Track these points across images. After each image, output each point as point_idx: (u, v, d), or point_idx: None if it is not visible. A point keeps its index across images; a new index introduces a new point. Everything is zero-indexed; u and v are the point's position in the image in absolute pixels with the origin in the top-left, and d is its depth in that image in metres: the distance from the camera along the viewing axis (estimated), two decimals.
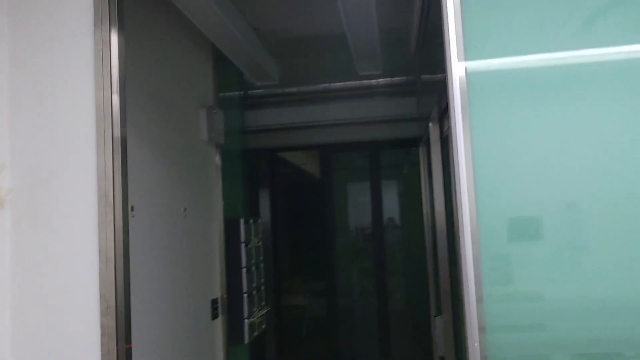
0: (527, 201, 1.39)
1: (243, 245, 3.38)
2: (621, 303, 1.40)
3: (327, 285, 6.52)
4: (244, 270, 3.36)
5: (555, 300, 1.41)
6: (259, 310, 3.63)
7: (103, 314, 1.53)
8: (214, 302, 3.19)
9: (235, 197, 3.88)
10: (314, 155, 6.54)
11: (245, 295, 3.36)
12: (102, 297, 1.53)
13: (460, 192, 1.33)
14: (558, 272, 1.41)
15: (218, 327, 3.24)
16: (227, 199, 3.38)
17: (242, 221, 3.44)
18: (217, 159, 3.37)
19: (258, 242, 3.70)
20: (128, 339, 1.58)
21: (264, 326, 3.76)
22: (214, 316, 3.18)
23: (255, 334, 3.54)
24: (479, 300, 1.38)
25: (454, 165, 1.34)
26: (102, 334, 1.52)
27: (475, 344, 1.38)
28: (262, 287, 3.76)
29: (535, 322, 1.43)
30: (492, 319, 1.39)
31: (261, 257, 3.76)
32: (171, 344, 2.57)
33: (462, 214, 1.33)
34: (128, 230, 1.62)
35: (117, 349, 1.52)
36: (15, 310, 1.59)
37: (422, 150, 3.14)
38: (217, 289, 3.26)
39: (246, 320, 3.34)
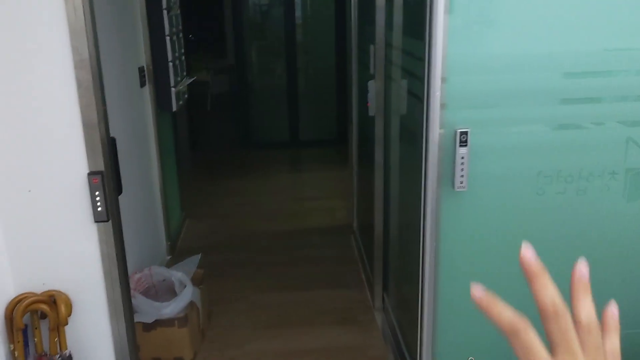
0: None
1: (165, 12, 3.25)
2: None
3: (233, 62, 6.50)
4: (167, 38, 3.29)
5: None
6: (183, 79, 3.66)
7: (77, 67, 1.52)
8: (141, 70, 3.16)
9: None
10: None
11: (170, 63, 3.35)
12: (75, 49, 1.50)
13: None
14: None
15: (146, 94, 3.26)
16: None
17: None
18: None
19: (177, 10, 3.56)
20: (103, 92, 1.61)
21: (186, 95, 3.83)
22: (142, 84, 3.18)
23: (181, 102, 3.62)
24: (444, 55, 1.58)
25: None
26: (79, 87, 1.54)
27: (437, 93, 1.61)
28: (183, 57, 3.73)
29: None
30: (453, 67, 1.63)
31: (180, 26, 3.66)
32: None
33: None
34: None
35: (95, 102, 1.56)
36: None
37: None
38: (142, 57, 3.20)
39: (173, 89, 3.38)
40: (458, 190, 1.73)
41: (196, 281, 2.96)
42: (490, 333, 1.98)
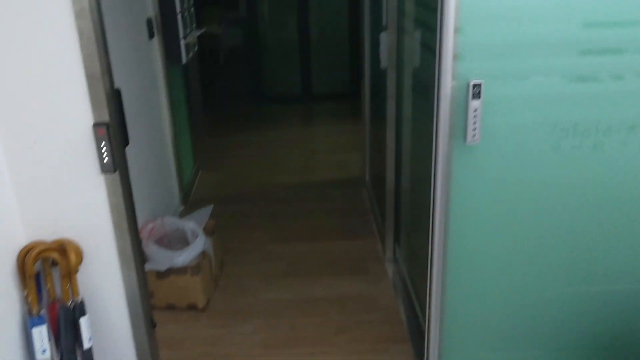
0: None
1: None
2: None
3: (245, 15, 6.37)
4: None
5: None
6: (192, 31, 3.60)
7: (78, 16, 1.49)
8: (149, 21, 3.11)
9: None
10: None
11: (179, 15, 3.28)
12: None
13: None
14: None
15: (155, 46, 3.22)
16: None
17: None
18: None
19: None
20: (105, 42, 1.58)
21: (197, 47, 3.77)
22: (150, 36, 3.13)
23: (191, 54, 3.57)
24: (457, 5, 1.53)
25: None
26: (81, 37, 1.51)
27: (450, 44, 1.55)
28: (192, 9, 3.66)
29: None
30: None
31: None
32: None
33: None
34: None
35: (97, 53, 1.53)
36: None
37: None
38: (150, 9, 3.14)
39: (182, 41, 3.33)
40: (470, 144, 1.69)
41: (208, 231, 2.99)
42: (499, 284, 1.96)
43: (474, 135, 1.68)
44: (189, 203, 4.08)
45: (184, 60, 3.41)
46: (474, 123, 1.66)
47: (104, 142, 1.58)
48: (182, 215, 3.57)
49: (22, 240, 1.70)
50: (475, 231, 1.86)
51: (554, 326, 2.00)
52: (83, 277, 1.78)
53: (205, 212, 3.10)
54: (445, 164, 1.73)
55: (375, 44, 3.05)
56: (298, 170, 4.82)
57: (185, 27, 3.40)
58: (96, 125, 1.57)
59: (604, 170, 1.78)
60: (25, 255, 1.65)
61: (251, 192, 4.39)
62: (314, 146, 5.46)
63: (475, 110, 1.65)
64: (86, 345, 1.75)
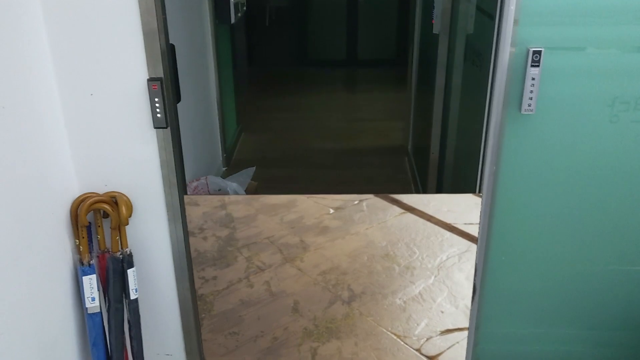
0: None
1: None
2: None
3: None
4: None
5: None
6: None
7: None
8: None
9: None
10: None
11: None
12: None
13: None
14: None
15: (205, 5, 3.21)
16: None
17: None
18: None
19: None
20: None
21: (245, 8, 3.75)
22: None
23: (239, 14, 3.55)
24: None
25: None
26: None
27: (512, 7, 1.50)
28: None
29: None
30: None
31: None
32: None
33: None
34: None
35: (155, 8, 1.53)
36: None
37: None
38: None
39: (232, 0, 3.31)
40: (525, 113, 1.64)
41: (250, 193, 3.02)
42: (540, 261, 1.90)
43: (529, 105, 1.63)
44: (231, 164, 4.12)
45: (232, 20, 3.39)
46: (531, 92, 1.61)
47: (157, 98, 1.60)
48: (224, 176, 3.61)
49: (75, 190, 1.75)
50: (521, 204, 1.82)
51: (592, 305, 1.97)
52: (131, 230, 1.82)
53: (248, 173, 3.13)
54: (497, 133, 1.69)
55: (427, 9, 2.96)
56: (340, 136, 4.80)
57: None
58: (151, 80, 1.59)
59: None
60: (79, 206, 1.70)
61: (292, 157, 4.39)
62: (357, 112, 5.41)
63: (533, 79, 1.60)
64: (132, 296, 1.80)
